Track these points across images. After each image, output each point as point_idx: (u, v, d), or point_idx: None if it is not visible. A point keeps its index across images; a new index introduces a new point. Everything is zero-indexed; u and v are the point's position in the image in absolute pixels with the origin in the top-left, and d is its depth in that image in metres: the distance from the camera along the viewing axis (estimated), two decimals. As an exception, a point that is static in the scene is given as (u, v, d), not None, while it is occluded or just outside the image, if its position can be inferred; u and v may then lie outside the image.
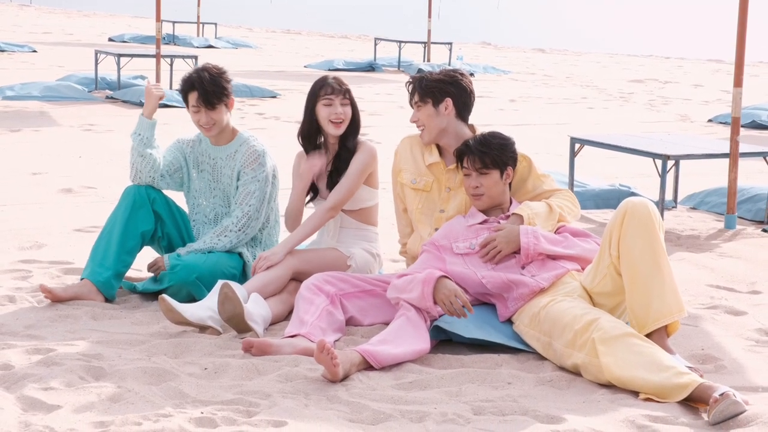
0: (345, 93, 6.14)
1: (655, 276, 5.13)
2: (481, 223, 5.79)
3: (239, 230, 6.23)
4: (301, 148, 6.30)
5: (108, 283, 6.15)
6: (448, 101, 5.98)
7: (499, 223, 5.76)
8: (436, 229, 5.98)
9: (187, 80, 6.27)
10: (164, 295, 5.56)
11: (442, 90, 5.98)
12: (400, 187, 6.21)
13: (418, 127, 6.05)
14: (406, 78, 22.33)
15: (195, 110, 6.23)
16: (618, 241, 5.21)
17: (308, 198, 6.30)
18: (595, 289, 5.37)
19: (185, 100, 6.28)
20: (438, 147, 6.10)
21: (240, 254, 6.30)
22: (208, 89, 6.19)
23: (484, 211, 5.86)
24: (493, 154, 5.75)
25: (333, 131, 6.13)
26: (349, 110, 6.15)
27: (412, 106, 6.06)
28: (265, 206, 6.30)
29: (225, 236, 6.23)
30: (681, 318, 5.20)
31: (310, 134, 6.22)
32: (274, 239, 6.52)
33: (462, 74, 6.07)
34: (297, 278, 6.04)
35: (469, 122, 6.11)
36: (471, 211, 5.90)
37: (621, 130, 15.01)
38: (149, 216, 6.30)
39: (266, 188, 6.28)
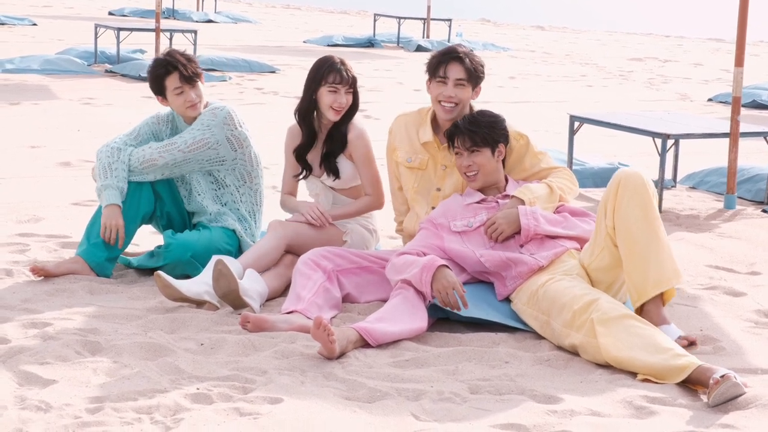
0: (352, 83, 6.11)
1: (652, 243, 5.13)
2: (478, 202, 5.77)
3: (159, 147, 6.22)
4: (291, 123, 6.28)
5: (103, 264, 6.13)
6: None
7: (497, 203, 5.75)
8: (433, 208, 5.96)
9: (162, 65, 6.24)
10: (160, 272, 5.54)
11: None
12: (395, 166, 6.18)
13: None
14: (406, 54, 22.37)
15: (178, 92, 6.21)
16: (613, 211, 5.21)
17: (301, 176, 6.28)
18: (592, 265, 5.35)
19: (161, 87, 6.24)
20: (433, 125, 6.06)
21: (234, 231, 6.27)
22: (187, 67, 6.22)
23: (481, 190, 5.84)
24: (482, 132, 5.74)
25: (333, 117, 6.11)
26: (351, 98, 6.12)
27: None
28: (196, 152, 6.21)
29: (149, 147, 6.23)
30: (678, 285, 5.19)
31: (307, 113, 6.19)
32: (260, 221, 6.50)
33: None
34: (293, 251, 6.02)
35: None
36: (468, 190, 5.87)
37: (620, 108, 14.95)
38: (150, 197, 6.27)
39: (206, 135, 6.20)
